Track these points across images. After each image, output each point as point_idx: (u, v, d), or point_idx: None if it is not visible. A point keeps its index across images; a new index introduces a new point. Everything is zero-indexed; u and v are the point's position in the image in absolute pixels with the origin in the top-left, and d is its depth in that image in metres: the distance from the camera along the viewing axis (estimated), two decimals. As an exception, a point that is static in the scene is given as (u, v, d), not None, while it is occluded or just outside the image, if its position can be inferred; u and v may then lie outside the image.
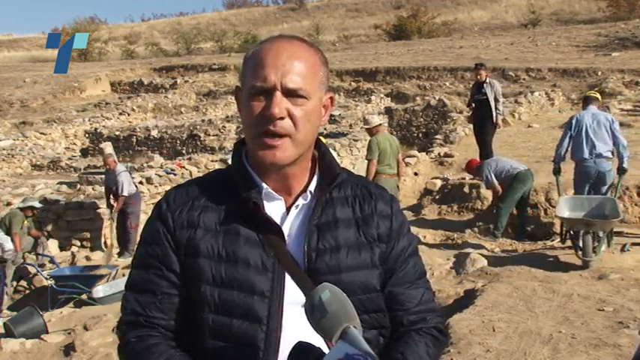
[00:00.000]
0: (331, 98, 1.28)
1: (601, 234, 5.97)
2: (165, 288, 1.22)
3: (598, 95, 7.38)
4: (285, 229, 1.23)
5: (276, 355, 1.17)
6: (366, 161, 7.76)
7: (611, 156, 6.68)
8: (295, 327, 1.18)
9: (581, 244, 5.81)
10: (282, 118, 1.16)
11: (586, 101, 7.18)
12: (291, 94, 1.17)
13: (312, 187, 1.26)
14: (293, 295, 1.19)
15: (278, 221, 1.22)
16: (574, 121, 6.90)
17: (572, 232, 6.12)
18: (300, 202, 1.25)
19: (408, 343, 1.25)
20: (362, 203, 1.29)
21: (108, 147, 12.58)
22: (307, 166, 1.28)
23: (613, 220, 6.09)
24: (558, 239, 7.08)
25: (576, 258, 5.88)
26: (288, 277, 1.20)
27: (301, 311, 1.19)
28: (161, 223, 1.24)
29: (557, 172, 6.94)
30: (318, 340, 1.09)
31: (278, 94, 1.16)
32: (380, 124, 8.01)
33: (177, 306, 1.23)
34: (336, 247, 1.23)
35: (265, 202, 1.23)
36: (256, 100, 1.17)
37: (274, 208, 1.24)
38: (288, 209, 1.25)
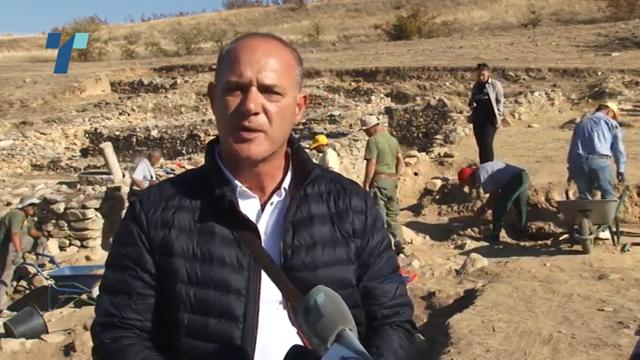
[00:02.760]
0: (304, 97, 1.29)
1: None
2: (140, 288, 1.21)
3: (611, 105, 7.40)
4: (261, 227, 1.22)
5: (253, 353, 1.17)
6: (365, 161, 7.78)
7: (605, 153, 6.72)
8: (272, 324, 1.19)
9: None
10: (257, 114, 1.16)
11: (597, 108, 7.40)
12: (266, 90, 1.17)
13: (285, 183, 1.26)
14: (269, 293, 1.19)
15: (253, 219, 1.22)
16: (578, 125, 7.09)
17: (574, 227, 6.32)
18: (275, 199, 1.25)
19: (382, 336, 1.26)
20: (336, 199, 1.29)
21: (108, 147, 12.61)
22: (281, 163, 1.28)
23: (607, 200, 6.24)
24: (560, 238, 7.13)
25: (577, 261, 5.93)
26: (264, 275, 1.20)
27: (278, 308, 1.20)
28: (135, 223, 1.23)
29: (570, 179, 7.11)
30: (295, 338, 1.11)
31: (254, 89, 1.16)
32: (377, 124, 8.04)
33: (152, 306, 1.22)
34: (311, 243, 1.23)
35: (240, 200, 1.22)
36: (231, 96, 1.18)
37: (249, 206, 1.24)
38: (262, 206, 1.25)
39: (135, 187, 9.23)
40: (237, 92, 1.17)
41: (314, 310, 1.02)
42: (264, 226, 1.23)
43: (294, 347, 1.07)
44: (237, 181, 1.23)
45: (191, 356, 1.17)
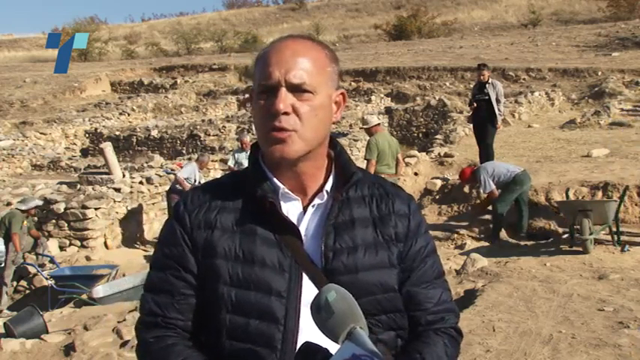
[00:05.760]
0: (342, 95, 1.28)
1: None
2: (183, 288, 1.23)
3: None
4: (302, 229, 1.23)
5: (293, 355, 1.16)
6: (365, 161, 7.79)
7: None
8: (313, 327, 1.16)
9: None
10: (286, 113, 1.16)
11: None
12: (295, 89, 1.17)
13: (328, 186, 1.26)
14: (310, 295, 1.17)
15: (295, 221, 1.23)
16: None
17: (574, 227, 6.36)
18: (317, 201, 1.25)
19: (426, 342, 1.25)
20: (379, 202, 1.29)
21: (108, 147, 12.61)
22: (323, 164, 1.28)
23: (607, 200, 6.25)
24: (563, 236, 7.13)
25: (577, 261, 5.92)
26: (305, 278, 1.20)
27: None
28: (178, 224, 1.25)
29: None
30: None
31: (282, 90, 1.16)
32: (378, 124, 8.05)
33: (194, 306, 1.23)
34: (353, 246, 1.23)
35: (282, 203, 1.23)
36: (263, 99, 1.19)
37: (291, 208, 1.24)
38: (304, 209, 1.25)
39: (177, 186, 9.42)
40: (268, 94, 1.18)
41: (325, 307, 1.02)
42: (305, 228, 1.23)
43: (306, 344, 1.06)
44: (279, 183, 1.24)
45: (231, 357, 1.18)
